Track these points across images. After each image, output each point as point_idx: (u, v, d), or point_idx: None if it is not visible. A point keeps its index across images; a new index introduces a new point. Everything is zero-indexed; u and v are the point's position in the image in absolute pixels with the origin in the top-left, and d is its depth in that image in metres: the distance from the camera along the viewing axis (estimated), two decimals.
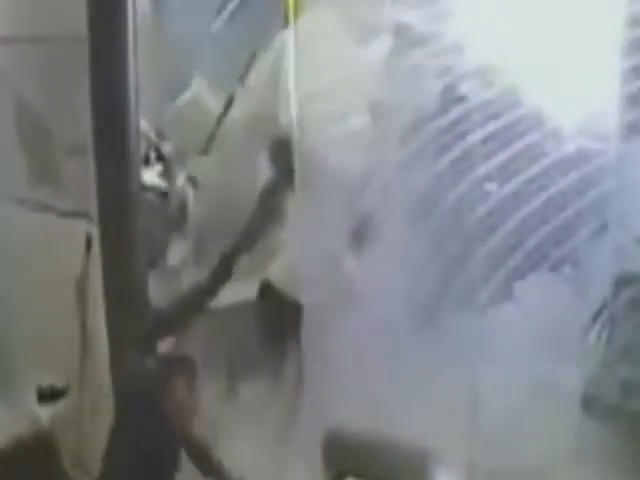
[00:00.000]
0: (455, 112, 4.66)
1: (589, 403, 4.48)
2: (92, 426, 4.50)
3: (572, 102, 4.77)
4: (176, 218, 5.39)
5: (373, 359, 5.23)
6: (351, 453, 4.43)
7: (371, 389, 5.18)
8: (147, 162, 4.96)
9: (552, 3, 4.51)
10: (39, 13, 4.58)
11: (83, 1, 4.30)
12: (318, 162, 5.31)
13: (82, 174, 4.49)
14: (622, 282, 4.58)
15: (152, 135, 5.41)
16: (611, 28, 4.51)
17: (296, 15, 4.91)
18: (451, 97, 4.81)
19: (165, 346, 4.63)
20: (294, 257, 4.97)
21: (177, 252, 4.99)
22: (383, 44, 6.04)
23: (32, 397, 4.94)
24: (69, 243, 4.54)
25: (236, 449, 4.82)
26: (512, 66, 4.80)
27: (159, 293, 4.67)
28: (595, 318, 4.83)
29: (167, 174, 5.18)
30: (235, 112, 5.49)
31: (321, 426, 4.69)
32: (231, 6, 5.71)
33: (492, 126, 4.57)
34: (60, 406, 4.95)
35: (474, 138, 4.62)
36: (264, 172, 5.28)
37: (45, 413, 4.97)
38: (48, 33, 4.51)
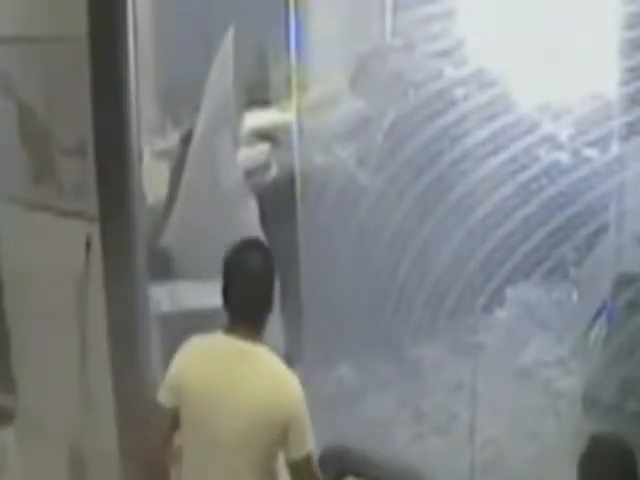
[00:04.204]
0: (450, 115, 4.67)
1: (589, 403, 4.48)
2: (91, 423, 4.50)
3: (570, 104, 4.78)
4: None
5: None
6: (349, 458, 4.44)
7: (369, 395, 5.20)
8: None
9: (550, 6, 4.52)
10: (39, 13, 4.57)
11: (83, 1, 4.29)
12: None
13: (82, 174, 4.49)
14: (622, 282, 4.58)
15: None
16: (610, 29, 4.52)
17: (297, 12, 4.92)
18: (446, 101, 4.82)
19: None
20: None
21: None
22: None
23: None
24: (69, 243, 4.53)
25: None
26: (508, 69, 4.81)
27: None
28: (595, 318, 4.84)
29: None
30: None
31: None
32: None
33: (487, 129, 4.58)
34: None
35: (469, 141, 4.63)
36: None
37: None
38: (48, 33, 4.51)
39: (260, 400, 3.25)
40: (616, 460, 3.03)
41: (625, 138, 4.59)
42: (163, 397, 3.41)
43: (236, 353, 3.33)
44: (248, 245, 3.50)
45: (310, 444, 3.31)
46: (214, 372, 3.33)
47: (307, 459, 3.31)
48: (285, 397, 3.27)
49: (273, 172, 5.97)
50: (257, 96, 6.56)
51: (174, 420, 3.37)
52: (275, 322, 5.49)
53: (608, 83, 4.57)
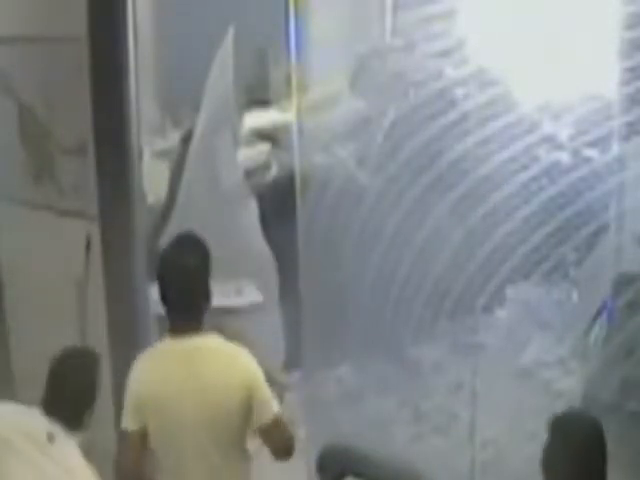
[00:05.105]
0: (451, 115, 4.67)
1: (589, 403, 4.48)
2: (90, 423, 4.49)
3: (570, 104, 4.78)
4: None
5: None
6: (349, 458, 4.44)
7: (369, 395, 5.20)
8: None
9: (550, 6, 4.52)
10: (39, 13, 4.58)
11: (83, 1, 4.30)
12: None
13: (82, 174, 4.50)
14: (622, 282, 4.58)
15: None
16: (610, 29, 4.52)
17: (297, 12, 4.92)
18: (447, 100, 4.82)
19: None
20: None
21: None
22: None
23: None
24: (69, 243, 4.54)
25: None
26: (508, 69, 4.81)
27: None
28: (595, 318, 4.84)
29: None
30: None
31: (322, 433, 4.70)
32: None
33: (488, 129, 4.58)
34: None
35: (469, 141, 4.63)
36: None
37: None
38: (48, 33, 4.51)
39: (220, 386, 3.34)
40: (583, 439, 2.97)
41: (625, 138, 4.58)
42: (128, 422, 3.45)
43: (186, 352, 3.40)
44: (176, 244, 3.54)
45: (275, 407, 3.39)
46: (171, 378, 3.39)
47: (276, 422, 3.39)
48: (241, 373, 3.37)
49: (273, 172, 5.97)
50: (257, 96, 6.56)
51: (143, 440, 3.43)
52: (275, 322, 5.50)
53: (608, 83, 4.57)
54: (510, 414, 4.65)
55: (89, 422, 3.50)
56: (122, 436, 3.45)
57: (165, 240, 5.27)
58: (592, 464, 2.95)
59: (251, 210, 5.66)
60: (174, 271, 3.42)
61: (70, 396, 3.45)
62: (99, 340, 4.41)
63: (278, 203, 5.38)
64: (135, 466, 3.44)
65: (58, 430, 3.39)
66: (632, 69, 4.38)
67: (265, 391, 3.38)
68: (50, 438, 3.36)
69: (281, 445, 3.44)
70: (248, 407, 3.34)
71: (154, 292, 4.69)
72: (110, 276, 4.49)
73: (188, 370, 3.36)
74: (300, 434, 4.90)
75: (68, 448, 3.40)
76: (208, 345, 3.41)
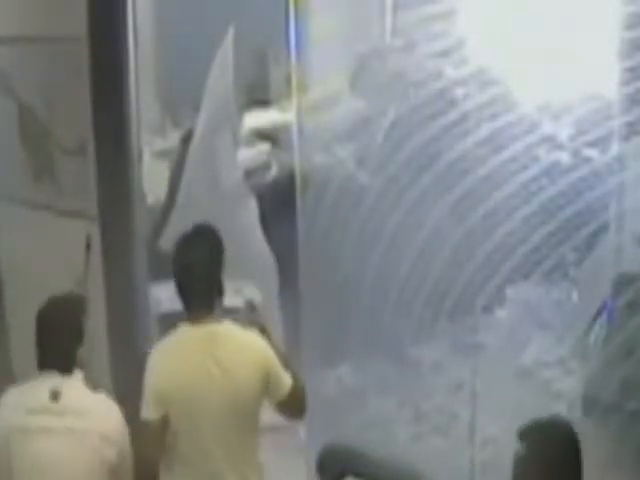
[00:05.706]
0: (451, 115, 4.67)
1: (589, 403, 4.48)
2: None
3: (570, 104, 4.78)
4: None
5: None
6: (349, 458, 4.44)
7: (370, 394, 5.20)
8: None
9: (550, 6, 4.52)
10: (39, 13, 4.58)
11: (83, 1, 4.30)
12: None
13: (82, 174, 4.50)
14: (622, 282, 4.58)
15: None
16: (610, 29, 4.52)
17: (297, 12, 4.93)
18: (447, 100, 4.82)
19: None
20: None
21: None
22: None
23: None
24: (69, 243, 4.54)
25: None
26: (508, 69, 4.82)
27: None
28: (595, 318, 4.84)
29: None
30: None
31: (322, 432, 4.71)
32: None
33: (487, 129, 4.58)
34: None
35: (469, 141, 4.64)
36: None
37: None
38: (48, 33, 4.52)
39: (239, 367, 3.44)
40: (558, 447, 2.91)
41: (625, 138, 4.58)
42: (150, 412, 3.46)
43: (203, 337, 3.48)
44: (192, 233, 3.61)
45: (288, 379, 3.51)
46: (191, 363, 3.46)
47: (291, 395, 3.51)
48: (256, 354, 3.49)
49: (273, 172, 5.98)
50: (257, 96, 6.57)
51: (165, 428, 3.44)
52: (275, 322, 5.49)
53: (608, 83, 4.57)
54: (510, 414, 4.65)
55: (82, 360, 3.48)
56: (144, 426, 3.46)
57: (165, 240, 5.30)
58: (568, 472, 2.89)
59: (251, 210, 5.66)
60: (190, 259, 3.51)
61: (58, 337, 3.42)
62: (99, 340, 4.41)
63: (278, 203, 5.38)
64: (157, 455, 3.46)
65: (58, 380, 3.36)
66: (632, 69, 4.38)
67: (278, 367, 3.49)
68: (54, 396, 3.34)
69: (297, 411, 3.64)
70: (265, 386, 3.46)
71: (154, 292, 4.72)
72: (110, 276, 4.50)
73: (207, 354, 3.44)
74: (300, 434, 4.93)
75: (75, 392, 3.39)
76: (224, 330, 3.51)
